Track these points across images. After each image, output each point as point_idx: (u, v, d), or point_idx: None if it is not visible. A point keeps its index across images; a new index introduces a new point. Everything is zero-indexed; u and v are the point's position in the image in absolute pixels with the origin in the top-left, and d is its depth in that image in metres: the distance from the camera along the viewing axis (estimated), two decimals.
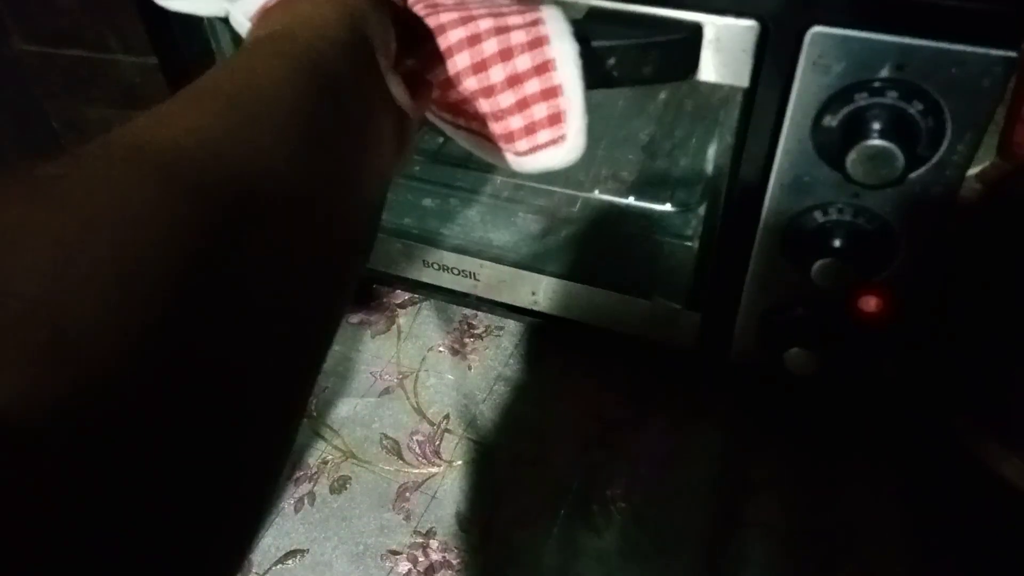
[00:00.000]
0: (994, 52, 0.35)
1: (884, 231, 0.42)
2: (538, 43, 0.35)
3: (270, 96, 0.26)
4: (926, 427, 0.54)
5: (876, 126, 0.37)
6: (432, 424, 0.59)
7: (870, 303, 0.45)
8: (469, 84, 0.36)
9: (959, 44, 0.35)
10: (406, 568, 0.51)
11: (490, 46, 0.35)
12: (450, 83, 0.37)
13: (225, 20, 0.37)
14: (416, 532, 0.53)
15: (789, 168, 0.42)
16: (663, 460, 0.55)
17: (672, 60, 0.40)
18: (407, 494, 0.55)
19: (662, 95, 0.65)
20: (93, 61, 0.58)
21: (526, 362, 0.63)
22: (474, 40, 0.35)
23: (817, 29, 0.37)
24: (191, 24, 0.53)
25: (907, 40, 0.36)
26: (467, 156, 0.41)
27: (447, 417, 0.59)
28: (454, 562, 0.51)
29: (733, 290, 0.49)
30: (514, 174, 0.40)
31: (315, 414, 0.60)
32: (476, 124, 0.39)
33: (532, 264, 0.59)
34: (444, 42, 0.36)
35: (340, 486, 0.56)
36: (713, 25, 0.39)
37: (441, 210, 0.65)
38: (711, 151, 0.59)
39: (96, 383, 0.17)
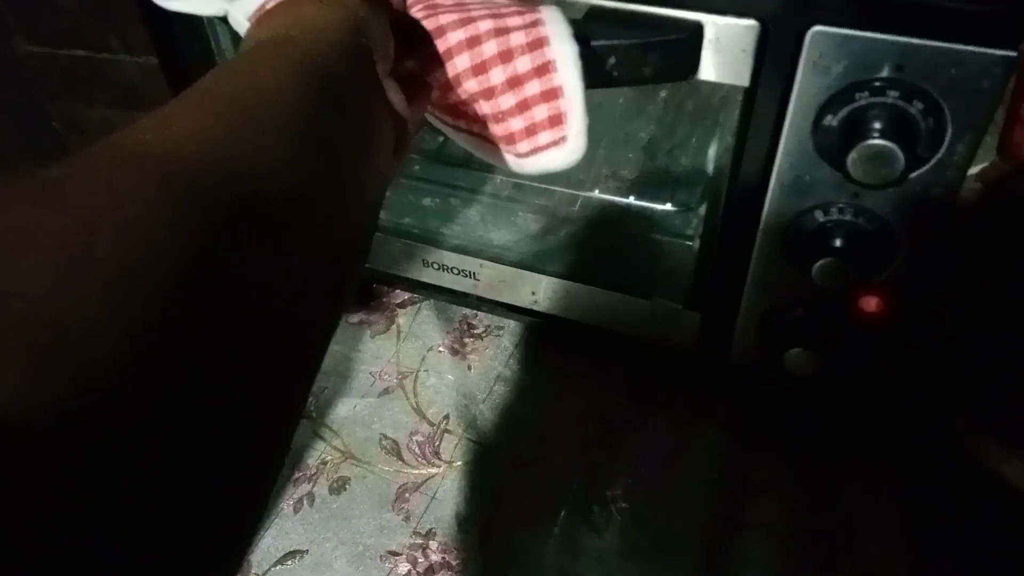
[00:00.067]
0: (994, 52, 0.35)
1: (884, 231, 0.42)
2: (538, 44, 0.35)
3: (272, 99, 0.26)
4: (926, 427, 0.54)
5: (876, 126, 0.37)
6: (432, 424, 0.59)
7: (870, 303, 0.45)
8: (469, 86, 0.36)
9: (959, 44, 0.35)
10: (406, 569, 0.51)
11: (490, 48, 0.35)
12: (450, 85, 0.37)
13: (225, 20, 0.37)
14: (416, 533, 0.53)
15: (789, 168, 0.42)
16: (663, 460, 0.55)
17: (672, 60, 0.40)
18: (407, 495, 0.55)
19: (662, 95, 0.65)
20: (94, 61, 0.58)
21: (526, 362, 0.63)
22: (474, 42, 0.35)
23: (817, 29, 0.37)
24: (192, 24, 0.53)
25: (907, 40, 0.36)
26: (467, 156, 0.41)
27: (447, 417, 0.59)
28: (454, 562, 0.51)
29: (733, 290, 0.49)
30: (514, 174, 0.40)
31: (315, 414, 0.60)
32: (477, 126, 0.38)
33: (532, 264, 0.59)
34: (444, 44, 0.36)
35: (340, 487, 0.56)
36: (713, 25, 0.39)
37: (441, 210, 0.65)
38: (711, 151, 0.59)
39: (98, 384, 0.17)
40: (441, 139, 0.65)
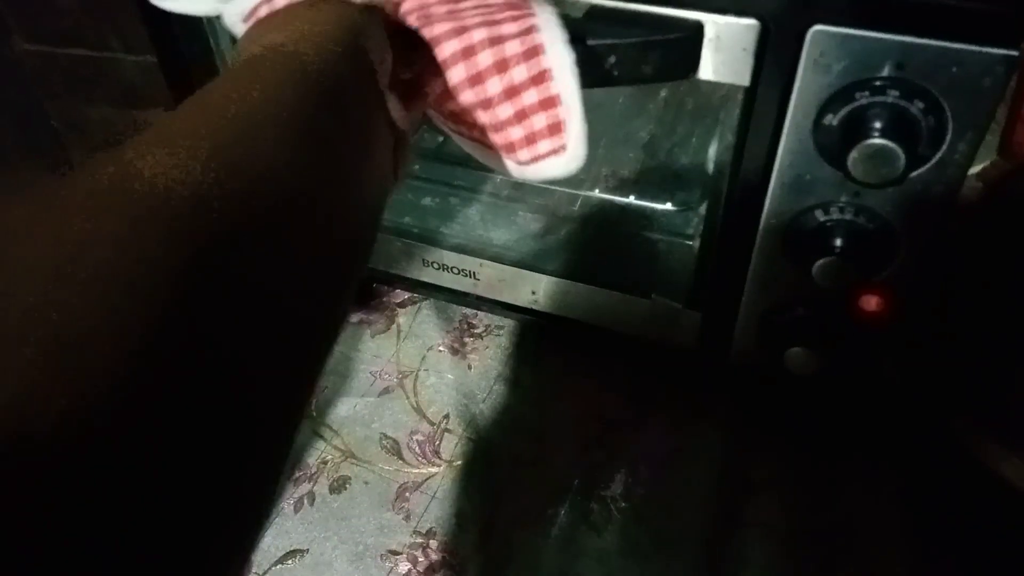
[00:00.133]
0: (995, 51, 0.35)
1: (885, 230, 0.42)
2: (534, 53, 0.35)
3: (271, 106, 0.26)
4: (926, 427, 0.54)
5: (877, 125, 0.37)
6: (432, 424, 0.59)
7: (871, 303, 0.45)
8: (467, 97, 0.36)
9: (960, 43, 0.35)
10: (406, 568, 0.51)
11: (485, 58, 0.35)
12: (448, 96, 0.36)
13: None
14: (416, 532, 0.52)
15: (790, 167, 0.42)
16: (663, 460, 0.55)
17: (672, 59, 0.40)
18: (407, 494, 0.55)
19: (662, 94, 0.65)
20: (94, 60, 0.58)
21: (526, 362, 0.63)
22: (468, 52, 0.35)
23: (818, 28, 0.37)
24: (191, 24, 0.53)
25: (908, 39, 0.36)
26: (467, 154, 0.41)
27: (447, 417, 0.59)
28: (454, 562, 0.51)
29: (734, 289, 0.49)
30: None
31: (315, 414, 0.60)
32: (477, 132, 0.38)
33: (532, 263, 0.59)
34: (439, 55, 0.35)
35: (340, 486, 0.55)
36: (714, 24, 0.39)
37: (441, 209, 0.65)
38: (712, 150, 0.59)
39: (98, 384, 0.17)
40: (441, 138, 0.65)
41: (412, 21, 0.36)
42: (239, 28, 0.35)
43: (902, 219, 0.42)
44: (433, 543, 0.52)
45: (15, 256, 0.18)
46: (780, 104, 0.40)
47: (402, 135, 0.35)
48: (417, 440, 0.58)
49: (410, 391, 0.61)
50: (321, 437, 0.59)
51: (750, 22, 0.38)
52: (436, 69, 0.36)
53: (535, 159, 0.38)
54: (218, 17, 0.38)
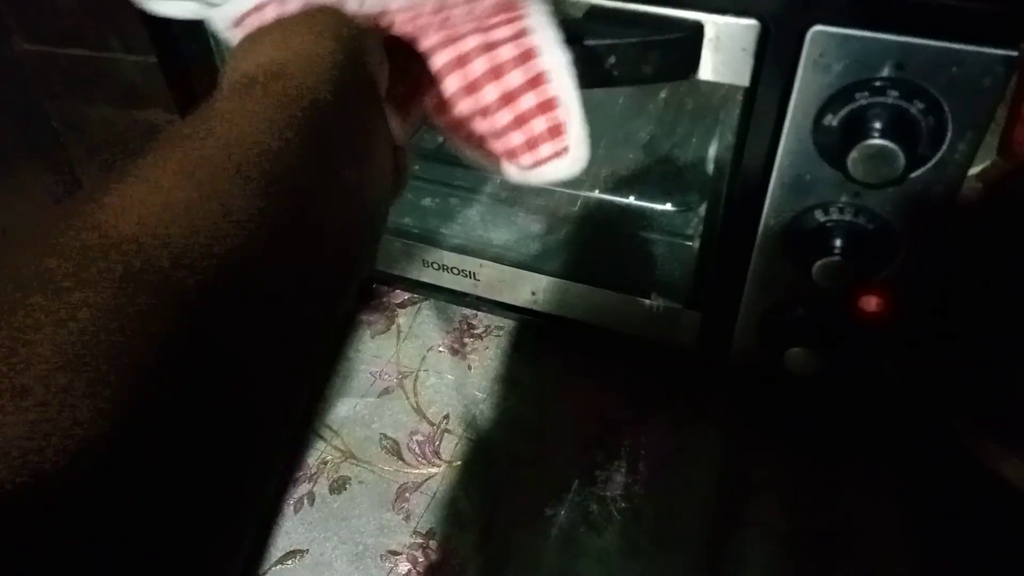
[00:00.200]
0: (995, 51, 0.35)
1: (885, 230, 0.42)
2: (528, 56, 0.34)
3: (265, 143, 0.25)
4: (926, 427, 0.54)
5: (877, 125, 0.37)
6: (432, 424, 0.59)
7: (871, 303, 0.45)
8: (464, 106, 0.36)
9: (960, 43, 0.35)
10: (406, 568, 0.51)
11: (479, 65, 0.34)
12: (444, 107, 0.36)
13: None
14: (416, 532, 0.52)
15: (790, 167, 0.42)
16: (663, 460, 0.55)
17: (672, 59, 0.40)
18: (407, 494, 0.55)
19: (662, 94, 0.65)
20: (94, 60, 0.58)
21: (526, 362, 0.63)
22: (462, 61, 0.34)
23: (818, 28, 0.37)
24: (191, 24, 0.52)
25: (908, 39, 0.36)
26: None
27: (447, 417, 0.59)
28: (454, 562, 0.51)
29: (733, 290, 0.49)
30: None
31: (315, 414, 0.60)
32: (478, 140, 0.38)
33: (532, 264, 0.59)
34: (433, 66, 0.35)
35: (340, 486, 0.55)
36: (713, 24, 0.39)
37: (441, 209, 0.65)
38: (712, 150, 0.59)
39: (97, 384, 0.17)
40: (441, 139, 0.65)
41: (405, 33, 0.35)
42: (227, 34, 0.34)
43: (902, 219, 0.42)
44: (433, 543, 0.52)
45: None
46: (780, 104, 0.40)
47: (401, 150, 0.35)
48: (417, 440, 0.58)
49: (410, 391, 0.61)
50: (321, 437, 0.59)
51: (750, 22, 0.38)
52: (431, 80, 0.35)
53: (538, 163, 0.37)
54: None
